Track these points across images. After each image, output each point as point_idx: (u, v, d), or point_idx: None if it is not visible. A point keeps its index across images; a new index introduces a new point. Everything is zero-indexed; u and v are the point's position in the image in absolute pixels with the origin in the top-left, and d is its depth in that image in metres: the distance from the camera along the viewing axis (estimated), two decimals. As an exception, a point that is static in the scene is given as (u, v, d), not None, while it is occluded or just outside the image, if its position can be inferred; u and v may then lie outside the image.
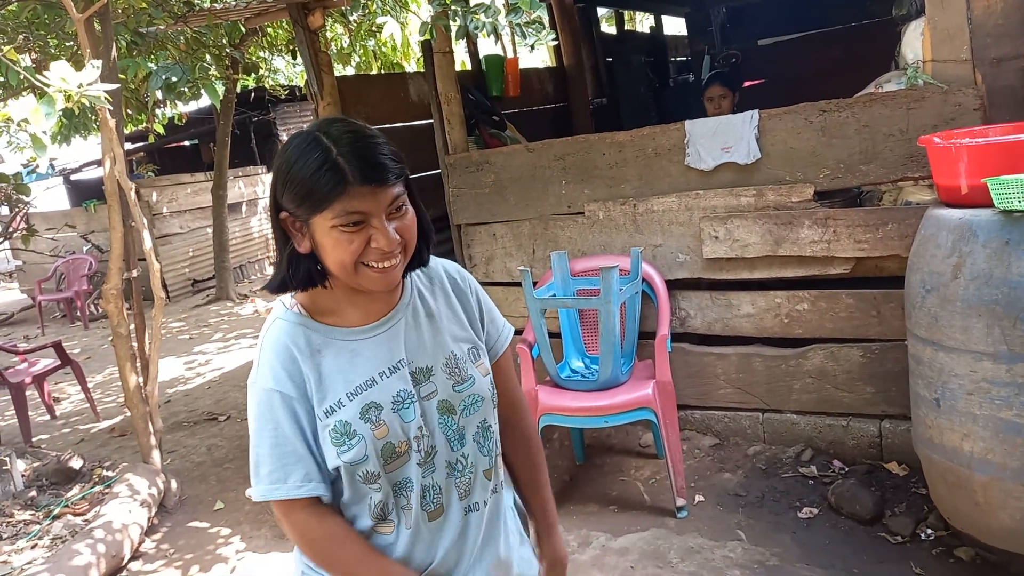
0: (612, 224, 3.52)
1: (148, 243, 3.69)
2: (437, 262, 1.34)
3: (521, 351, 3.19)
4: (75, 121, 6.81)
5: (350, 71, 8.22)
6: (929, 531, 2.62)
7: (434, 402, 1.23)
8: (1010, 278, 2.08)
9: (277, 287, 1.21)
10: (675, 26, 9.20)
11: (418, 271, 1.30)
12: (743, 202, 3.19)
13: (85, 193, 11.98)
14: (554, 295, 3.33)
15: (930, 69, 2.81)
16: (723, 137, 3.19)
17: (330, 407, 1.17)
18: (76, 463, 4.13)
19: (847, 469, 3.08)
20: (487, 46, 6.09)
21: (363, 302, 1.23)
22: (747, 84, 7.04)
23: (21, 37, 4.62)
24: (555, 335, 3.42)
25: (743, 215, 3.17)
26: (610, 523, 3.01)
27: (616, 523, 3.00)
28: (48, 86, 2.25)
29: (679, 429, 3.21)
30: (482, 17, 2.94)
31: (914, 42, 3.09)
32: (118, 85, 3.40)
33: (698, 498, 3.07)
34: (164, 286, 6.60)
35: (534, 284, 3.20)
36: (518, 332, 3.35)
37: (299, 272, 1.18)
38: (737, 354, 3.38)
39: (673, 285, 3.42)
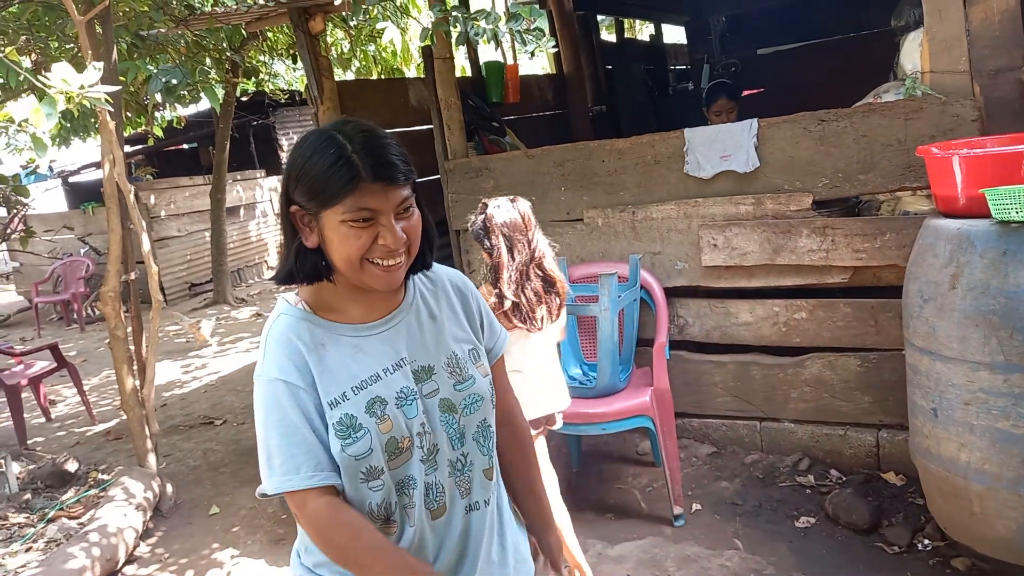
0: (611, 231, 3.53)
1: (146, 246, 3.69)
2: (440, 269, 1.37)
3: (519, 357, 3.19)
4: (75, 123, 6.81)
5: (350, 76, 8.23)
6: (926, 541, 2.62)
7: (436, 400, 1.25)
8: (1007, 288, 2.09)
9: (284, 278, 1.23)
10: (675, 34, 9.24)
11: (422, 276, 1.33)
12: (742, 210, 3.20)
13: (83, 195, 11.98)
14: (552, 301, 3.32)
15: (928, 80, 2.83)
16: (722, 145, 3.20)
17: (335, 399, 1.18)
18: (71, 466, 4.12)
19: (844, 478, 3.08)
20: (487, 52, 6.10)
21: (366, 300, 1.25)
22: (746, 93, 7.05)
23: (22, 38, 4.63)
24: (553, 341, 3.42)
25: (742, 223, 3.18)
26: (607, 531, 3.00)
27: (613, 531, 3.00)
28: (49, 87, 2.26)
29: (676, 437, 3.20)
30: (482, 24, 2.96)
31: (912, 53, 3.11)
32: (119, 87, 3.40)
33: (695, 506, 3.07)
34: (162, 289, 6.58)
35: (532, 290, 3.19)
36: (516, 338, 3.35)
37: (306, 265, 1.20)
38: (735, 362, 3.38)
39: (671, 293, 3.42)
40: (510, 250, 2.37)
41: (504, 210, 2.40)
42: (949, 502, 2.37)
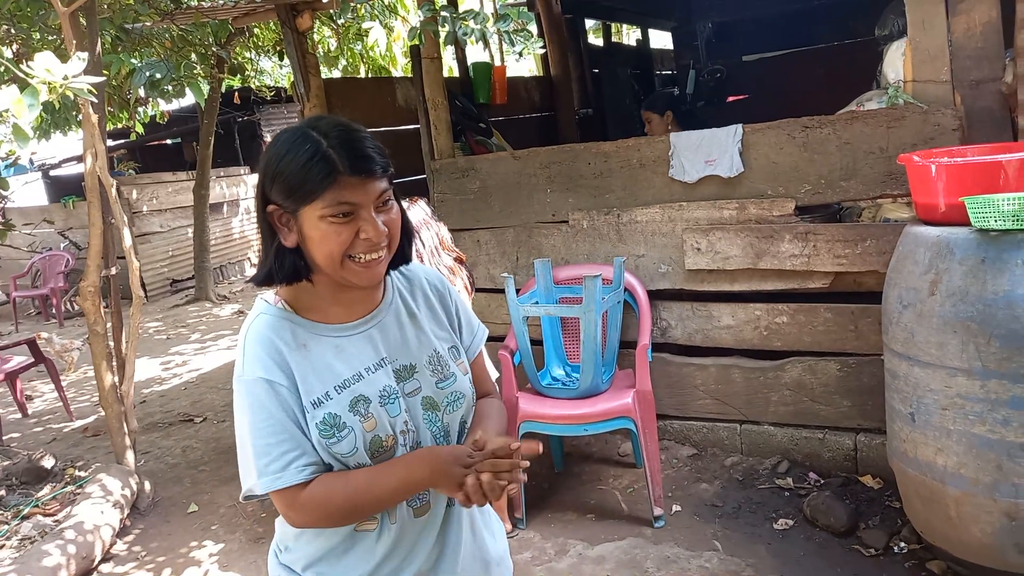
0: (596, 233, 3.54)
1: (128, 241, 3.65)
2: (416, 267, 1.37)
3: (503, 358, 3.19)
4: (56, 116, 6.72)
5: (337, 74, 8.19)
6: (902, 544, 2.65)
7: (419, 398, 1.25)
8: (985, 295, 2.12)
9: (263, 280, 1.21)
10: (661, 40, 9.28)
11: (399, 275, 1.33)
12: (725, 215, 3.22)
13: (64, 189, 11.84)
14: (537, 303, 3.33)
15: (911, 89, 2.86)
16: (707, 150, 3.22)
17: (317, 399, 1.17)
18: (48, 462, 4.07)
19: (823, 481, 3.10)
20: (475, 53, 6.11)
21: (346, 300, 1.24)
22: (731, 99, 7.11)
23: (3, 29, 4.57)
24: (537, 343, 3.42)
25: (725, 228, 3.20)
26: (587, 532, 3.01)
27: (593, 532, 3.00)
28: (32, 77, 2.23)
29: (658, 439, 3.22)
30: (471, 24, 2.96)
31: (896, 62, 3.15)
32: (103, 79, 3.36)
33: (675, 508, 3.08)
34: (143, 285, 6.50)
35: (517, 291, 3.20)
36: (500, 339, 3.35)
37: (285, 266, 1.19)
38: (716, 365, 3.41)
39: (655, 295, 3.44)
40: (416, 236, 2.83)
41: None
42: (926, 506, 2.40)
